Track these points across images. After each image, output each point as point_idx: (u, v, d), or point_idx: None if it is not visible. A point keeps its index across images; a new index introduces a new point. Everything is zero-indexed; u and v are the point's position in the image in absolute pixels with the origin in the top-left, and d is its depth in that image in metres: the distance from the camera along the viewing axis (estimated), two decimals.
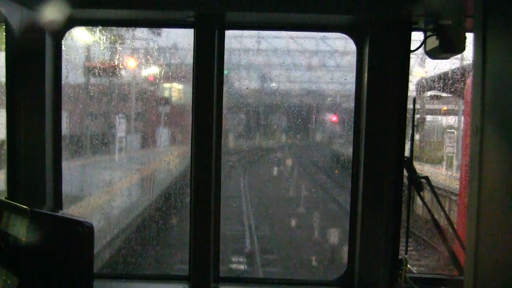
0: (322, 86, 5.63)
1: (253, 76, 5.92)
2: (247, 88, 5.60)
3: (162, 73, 5.46)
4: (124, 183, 5.97)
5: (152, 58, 5.46)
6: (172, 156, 5.92)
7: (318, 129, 6.14)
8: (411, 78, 6.45)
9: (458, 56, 3.71)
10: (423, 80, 6.26)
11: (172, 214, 5.74)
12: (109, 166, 6.58)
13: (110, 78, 5.38)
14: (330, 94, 5.55)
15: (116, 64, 5.32)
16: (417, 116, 7.62)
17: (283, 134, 6.45)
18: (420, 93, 6.69)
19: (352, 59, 3.89)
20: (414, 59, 5.81)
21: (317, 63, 5.77)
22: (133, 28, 5.00)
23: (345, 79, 4.67)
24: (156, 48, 5.32)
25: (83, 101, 5.20)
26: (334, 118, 5.63)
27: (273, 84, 6.04)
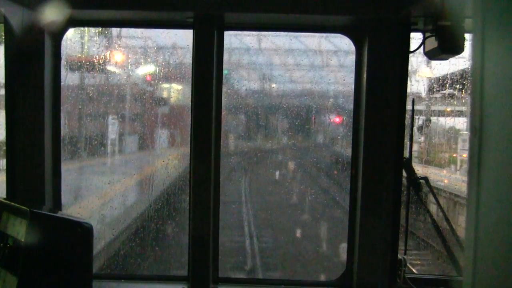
0: (323, 87, 5.63)
1: (252, 77, 5.92)
2: (246, 89, 5.60)
3: (161, 74, 5.45)
4: (123, 183, 5.96)
5: (150, 59, 5.45)
6: (171, 157, 5.91)
7: (319, 131, 6.15)
8: (418, 78, 6.42)
9: (466, 55, 3.71)
10: (432, 80, 6.21)
11: (171, 215, 5.74)
12: (108, 168, 6.56)
13: (105, 79, 5.36)
14: (331, 95, 5.55)
15: (114, 64, 5.31)
16: (423, 117, 7.58)
17: (284, 136, 6.46)
18: (430, 93, 6.63)
19: (351, 60, 3.90)
20: (420, 59, 5.78)
21: (316, 64, 5.77)
22: (132, 28, 5.00)
23: (344, 80, 4.67)
24: (155, 48, 5.32)
25: (80, 102, 5.17)
26: (337, 119, 5.62)
27: (273, 85, 6.04)
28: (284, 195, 6.62)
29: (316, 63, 5.76)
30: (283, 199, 6.62)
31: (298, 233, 7.51)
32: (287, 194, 6.71)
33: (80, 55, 4.80)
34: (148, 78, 5.60)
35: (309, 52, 5.53)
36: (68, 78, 4.35)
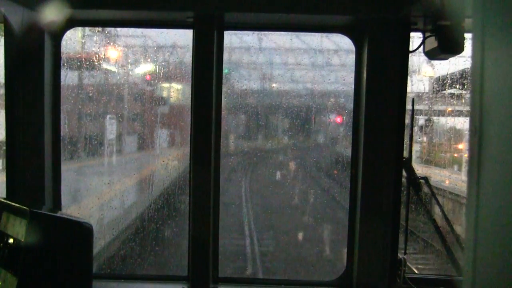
0: (323, 87, 5.63)
1: (252, 76, 5.91)
2: (246, 88, 5.59)
3: (161, 73, 5.44)
4: (122, 183, 5.95)
5: (149, 58, 5.44)
6: (171, 157, 5.90)
7: (319, 131, 6.14)
8: (420, 78, 6.34)
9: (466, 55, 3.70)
10: (433, 80, 6.15)
11: (171, 216, 5.74)
12: (108, 168, 6.55)
13: (104, 78, 5.35)
14: (331, 94, 5.54)
15: (113, 63, 5.29)
16: (425, 117, 7.52)
17: (283, 135, 6.46)
18: (437, 92, 6.58)
19: (352, 59, 3.89)
20: (422, 58, 5.74)
21: (317, 63, 5.77)
22: (132, 28, 4.99)
23: (344, 80, 4.67)
24: (155, 48, 5.31)
25: (80, 101, 5.16)
26: (339, 119, 5.62)
27: (273, 84, 6.03)
28: (284, 195, 6.62)
29: (317, 63, 5.76)
30: (283, 199, 6.62)
31: (298, 233, 7.50)
32: (287, 194, 6.71)
33: (79, 55, 4.80)
34: (148, 77, 5.59)
35: (310, 52, 5.53)
36: (67, 77, 4.34)
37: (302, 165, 6.99)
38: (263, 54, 5.75)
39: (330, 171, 6.81)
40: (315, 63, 5.75)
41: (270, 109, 6.01)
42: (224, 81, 3.92)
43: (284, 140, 6.52)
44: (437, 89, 6.14)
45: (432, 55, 3.55)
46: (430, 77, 6.52)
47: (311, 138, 6.13)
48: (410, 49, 3.66)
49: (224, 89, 3.95)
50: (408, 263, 3.79)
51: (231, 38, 4.37)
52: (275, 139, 6.65)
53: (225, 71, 3.93)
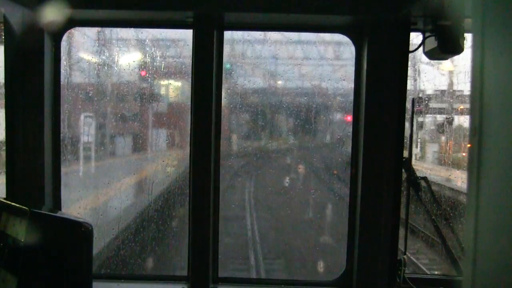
0: (324, 86, 5.61)
1: (252, 74, 5.90)
2: (244, 87, 5.59)
3: (162, 72, 5.42)
4: (123, 181, 5.94)
5: (149, 56, 5.42)
6: (171, 158, 5.90)
7: (320, 130, 6.12)
8: (442, 72, 6.20)
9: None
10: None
11: (171, 215, 5.73)
12: (120, 163, 6.53)
13: (105, 79, 5.33)
14: (331, 94, 5.53)
15: (112, 62, 5.28)
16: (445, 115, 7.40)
17: (280, 135, 6.47)
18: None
19: (352, 58, 3.89)
20: None
21: (317, 62, 5.76)
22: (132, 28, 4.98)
23: (344, 79, 4.67)
24: (155, 45, 5.29)
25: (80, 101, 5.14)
26: (349, 118, 5.60)
27: (273, 83, 6.02)
28: (285, 194, 6.63)
29: (317, 62, 5.75)
30: (285, 198, 6.63)
31: (299, 230, 7.51)
32: (289, 193, 6.72)
33: (77, 54, 4.79)
34: (143, 73, 5.54)
35: (311, 50, 5.52)
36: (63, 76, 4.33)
37: (305, 164, 6.99)
38: (263, 53, 5.74)
39: (330, 171, 6.81)
40: (316, 62, 5.74)
41: (271, 108, 6.00)
42: (224, 80, 3.92)
43: (288, 140, 6.52)
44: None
45: (432, 55, 3.56)
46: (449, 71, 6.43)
47: (310, 138, 6.13)
48: (410, 49, 3.66)
49: (225, 85, 3.95)
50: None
51: (232, 35, 4.36)
52: (276, 138, 6.65)
53: (226, 66, 3.92)
